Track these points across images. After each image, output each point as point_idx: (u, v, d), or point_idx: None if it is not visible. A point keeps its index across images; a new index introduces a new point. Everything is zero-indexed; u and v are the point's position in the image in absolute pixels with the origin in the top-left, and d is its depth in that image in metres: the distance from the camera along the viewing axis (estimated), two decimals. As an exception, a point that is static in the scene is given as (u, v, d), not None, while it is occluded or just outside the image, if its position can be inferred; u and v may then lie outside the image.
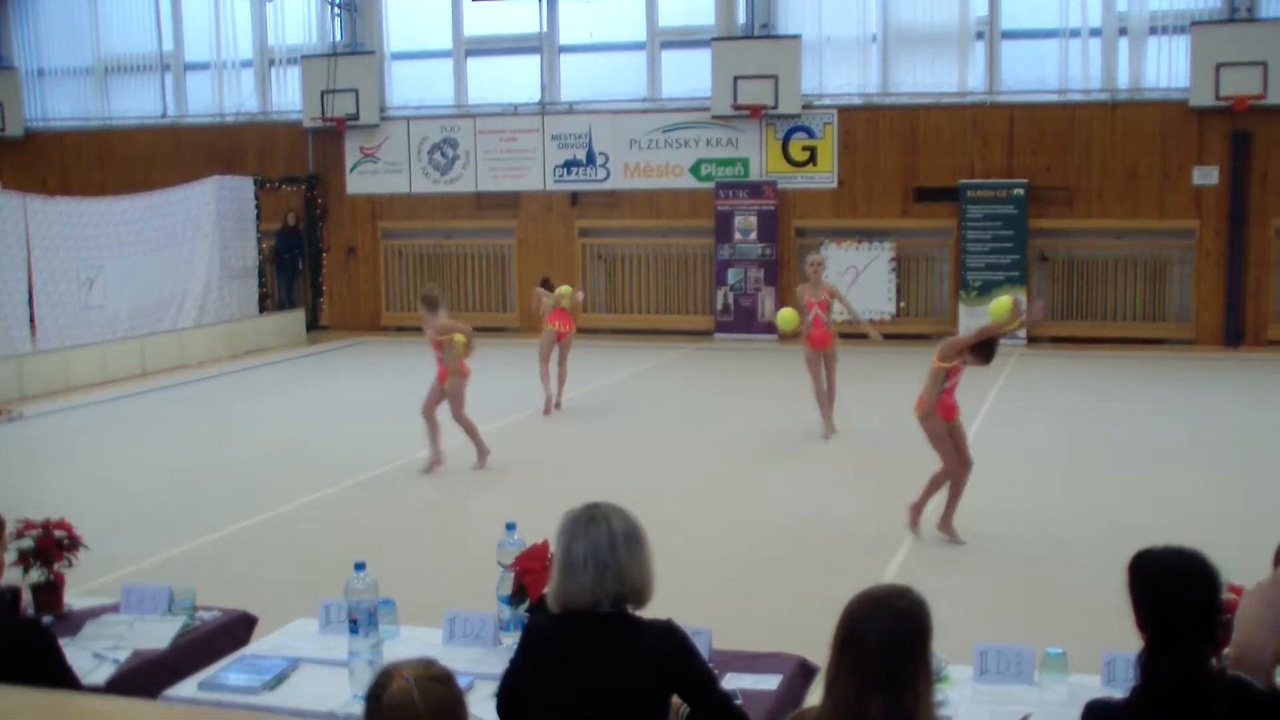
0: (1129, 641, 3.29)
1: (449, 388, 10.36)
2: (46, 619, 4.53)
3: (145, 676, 4.20)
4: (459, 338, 10.30)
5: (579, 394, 13.78)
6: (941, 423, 8.08)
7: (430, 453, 10.44)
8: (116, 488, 10.13)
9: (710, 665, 3.63)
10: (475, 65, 20.39)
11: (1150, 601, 3.05)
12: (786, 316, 11.55)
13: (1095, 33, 17.82)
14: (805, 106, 18.52)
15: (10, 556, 4.42)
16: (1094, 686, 3.82)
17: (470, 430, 10.51)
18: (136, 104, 22.00)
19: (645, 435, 12.16)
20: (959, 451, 8.17)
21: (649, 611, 3.39)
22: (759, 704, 3.83)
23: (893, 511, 8.98)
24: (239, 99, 21.48)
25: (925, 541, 8.20)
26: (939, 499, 8.28)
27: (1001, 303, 8.43)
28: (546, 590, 3.47)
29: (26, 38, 22.53)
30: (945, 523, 8.21)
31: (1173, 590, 3.03)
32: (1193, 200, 17.45)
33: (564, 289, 13.31)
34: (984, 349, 7.97)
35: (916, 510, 8.26)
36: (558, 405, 13.17)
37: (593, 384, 14.52)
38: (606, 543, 3.29)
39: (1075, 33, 17.87)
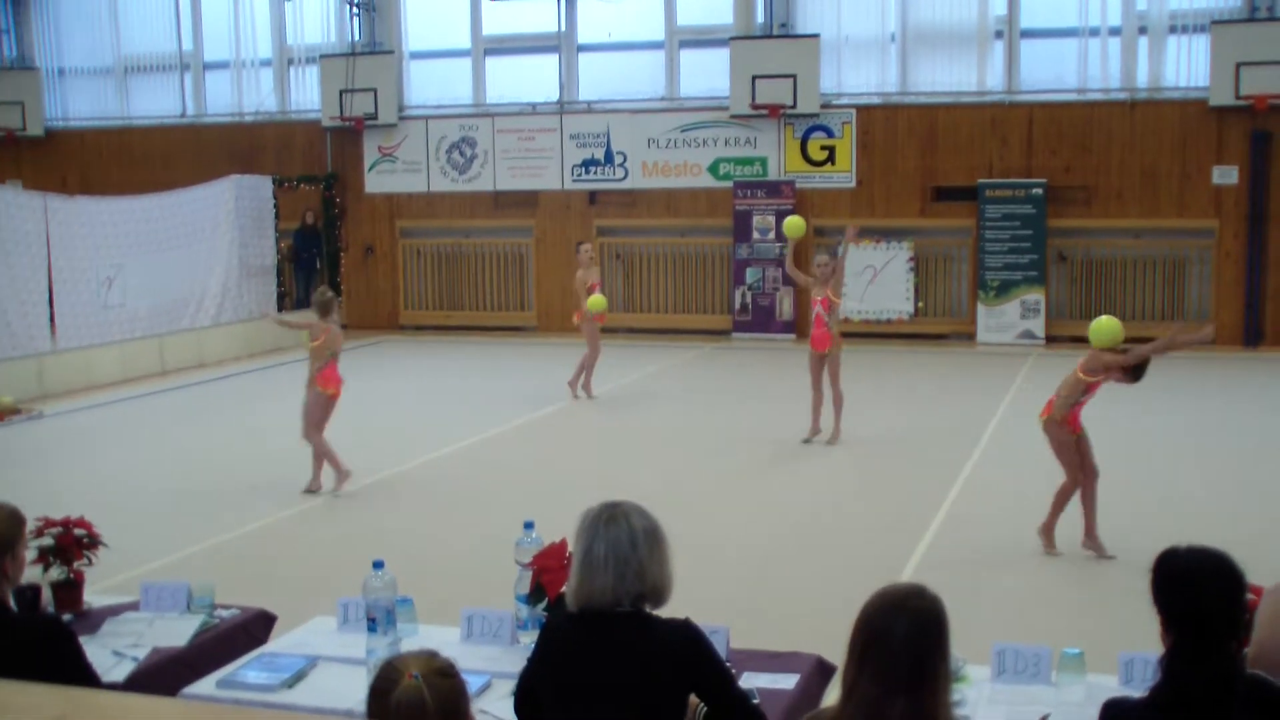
0: (1147, 641, 3.28)
1: (306, 399, 9.69)
2: (66, 616, 4.56)
3: (164, 674, 4.22)
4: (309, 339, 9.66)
5: (596, 392, 13.80)
6: (1070, 433, 7.84)
7: (333, 471, 9.71)
8: (135, 486, 10.18)
9: (728, 664, 3.63)
10: (494, 64, 20.40)
11: (1177, 602, 3.04)
12: (794, 223, 11.31)
13: (1115, 32, 17.74)
14: (824, 106, 18.48)
15: (30, 554, 4.44)
16: (1111, 686, 3.80)
17: (317, 453, 9.65)
18: (156, 103, 22.09)
19: (662, 434, 12.15)
20: (1084, 461, 7.88)
21: (666, 611, 3.39)
22: (776, 703, 3.83)
23: (908, 511, 8.98)
24: (258, 98, 21.56)
25: (943, 543, 8.18)
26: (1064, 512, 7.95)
27: (1107, 325, 7.87)
28: (565, 589, 3.47)
29: (47, 37, 22.67)
30: (1090, 538, 7.88)
31: (1200, 590, 3.02)
32: (1212, 200, 17.36)
33: (596, 299, 13.29)
34: (1137, 370, 7.68)
35: (1048, 531, 7.91)
36: (585, 394, 13.60)
37: (610, 383, 14.52)
38: (627, 541, 3.29)
39: (1095, 31, 17.79)
